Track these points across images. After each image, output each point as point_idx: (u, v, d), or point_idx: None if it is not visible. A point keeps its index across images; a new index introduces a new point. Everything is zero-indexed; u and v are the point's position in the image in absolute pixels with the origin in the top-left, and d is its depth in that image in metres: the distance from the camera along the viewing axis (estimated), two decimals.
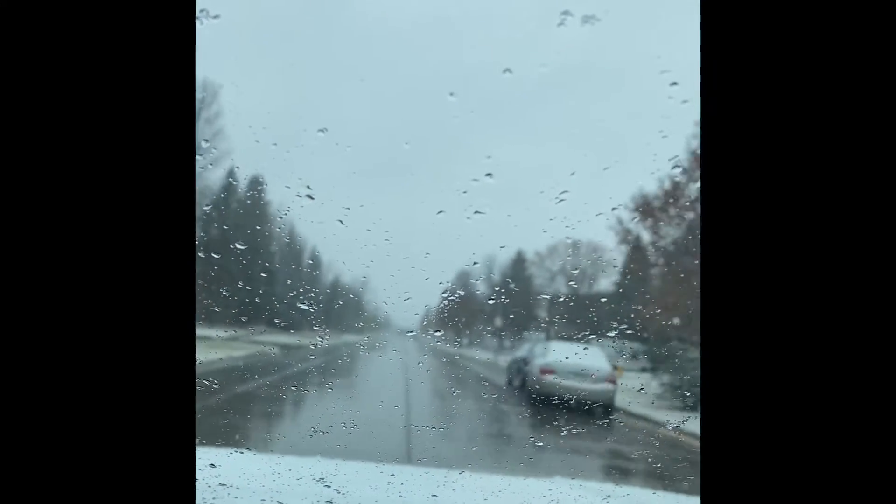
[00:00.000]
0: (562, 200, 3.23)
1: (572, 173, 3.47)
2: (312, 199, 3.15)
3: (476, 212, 3.27)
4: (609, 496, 2.40)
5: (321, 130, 3.20)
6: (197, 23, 1.03)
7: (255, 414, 9.33)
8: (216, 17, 1.98)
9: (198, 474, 2.00)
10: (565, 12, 2.30)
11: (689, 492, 2.55)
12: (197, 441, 1.02)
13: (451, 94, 3.58)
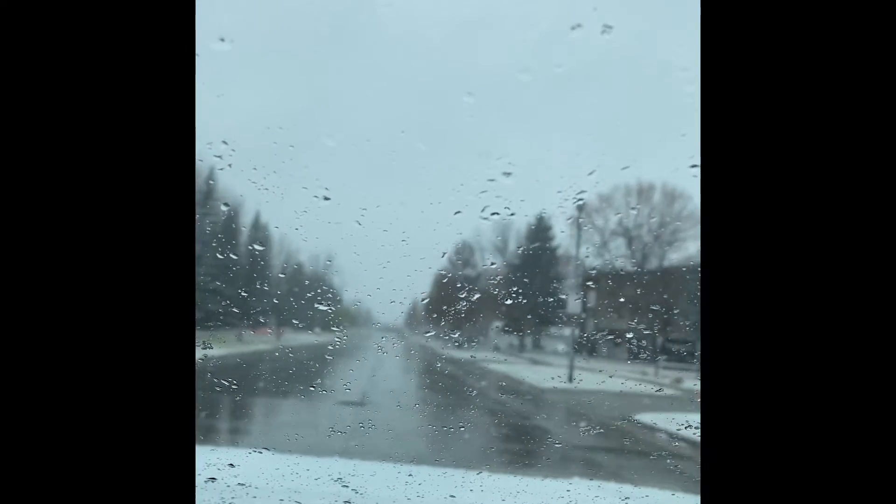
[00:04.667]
0: (580, 200, 3.22)
1: (590, 173, 3.46)
2: (328, 199, 3.16)
3: (493, 213, 3.27)
4: (628, 497, 2.39)
5: (329, 136, 3.23)
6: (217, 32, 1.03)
7: None
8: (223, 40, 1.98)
9: (217, 474, 2.02)
10: (577, 25, 2.30)
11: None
12: (216, 441, 1.03)
13: (469, 94, 3.58)
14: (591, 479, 2.72)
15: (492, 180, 3.13)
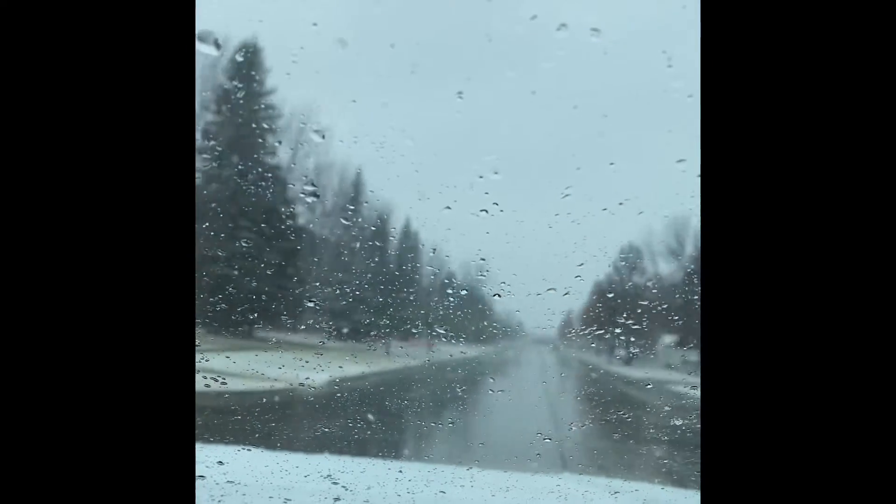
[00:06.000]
0: (567, 195, 3.23)
1: (578, 168, 3.46)
2: (318, 196, 3.15)
3: (482, 210, 3.27)
4: (617, 492, 2.40)
5: (319, 132, 3.21)
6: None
7: None
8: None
9: (206, 471, 2.02)
10: (562, 25, 2.30)
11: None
12: (203, 438, 1.03)
13: (460, 94, 3.58)
14: (580, 474, 2.73)
15: (481, 177, 3.13)
